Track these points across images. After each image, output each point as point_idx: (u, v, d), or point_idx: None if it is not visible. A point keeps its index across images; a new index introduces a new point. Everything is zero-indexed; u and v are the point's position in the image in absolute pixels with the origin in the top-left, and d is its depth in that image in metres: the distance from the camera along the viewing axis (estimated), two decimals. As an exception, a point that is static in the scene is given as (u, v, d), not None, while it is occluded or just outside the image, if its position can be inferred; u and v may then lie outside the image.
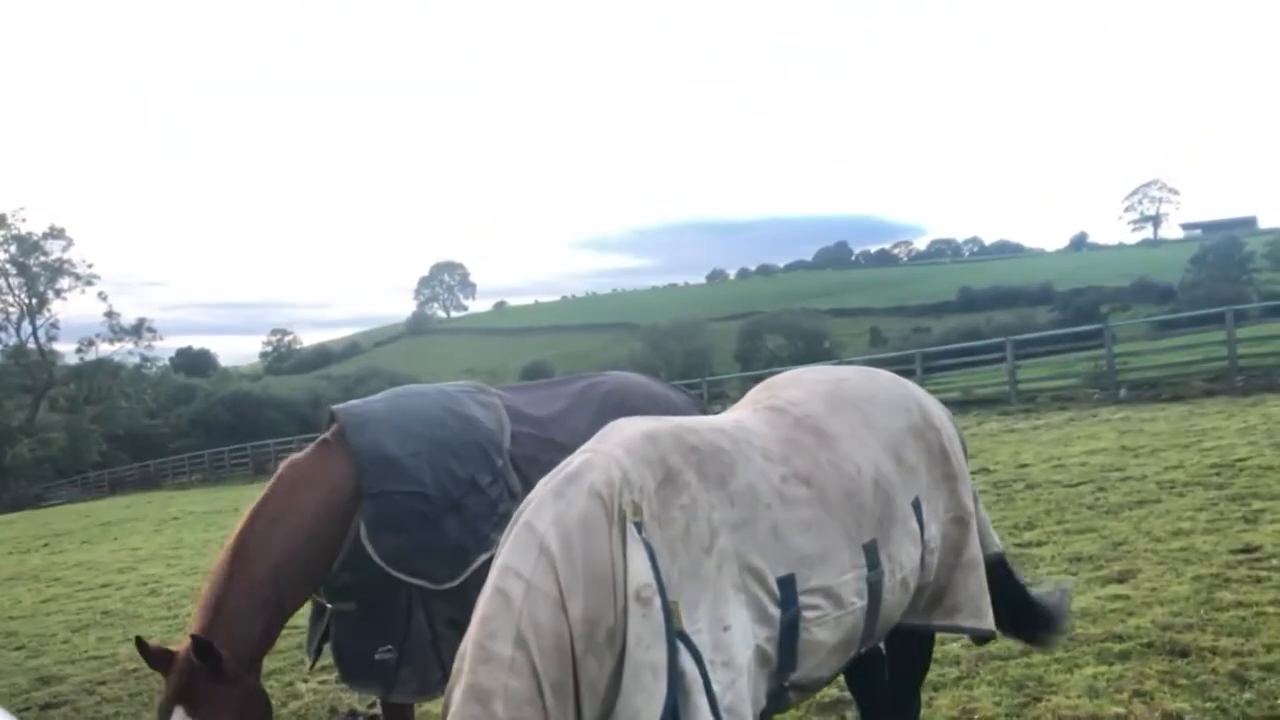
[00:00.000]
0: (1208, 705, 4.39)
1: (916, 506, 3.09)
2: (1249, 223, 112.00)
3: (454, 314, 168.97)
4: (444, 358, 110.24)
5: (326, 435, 3.97)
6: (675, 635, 2.29)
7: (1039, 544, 8.41)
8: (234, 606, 3.45)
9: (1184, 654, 5.11)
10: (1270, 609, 5.63)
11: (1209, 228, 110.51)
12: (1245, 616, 5.56)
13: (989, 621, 3.29)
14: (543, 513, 2.41)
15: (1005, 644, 5.58)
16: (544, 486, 2.50)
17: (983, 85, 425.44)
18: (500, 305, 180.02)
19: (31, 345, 67.61)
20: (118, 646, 9.44)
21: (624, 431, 2.65)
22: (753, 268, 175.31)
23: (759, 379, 3.58)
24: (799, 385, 3.26)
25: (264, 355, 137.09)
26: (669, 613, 2.30)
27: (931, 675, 5.26)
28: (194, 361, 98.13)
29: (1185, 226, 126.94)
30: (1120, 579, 6.84)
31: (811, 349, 62.14)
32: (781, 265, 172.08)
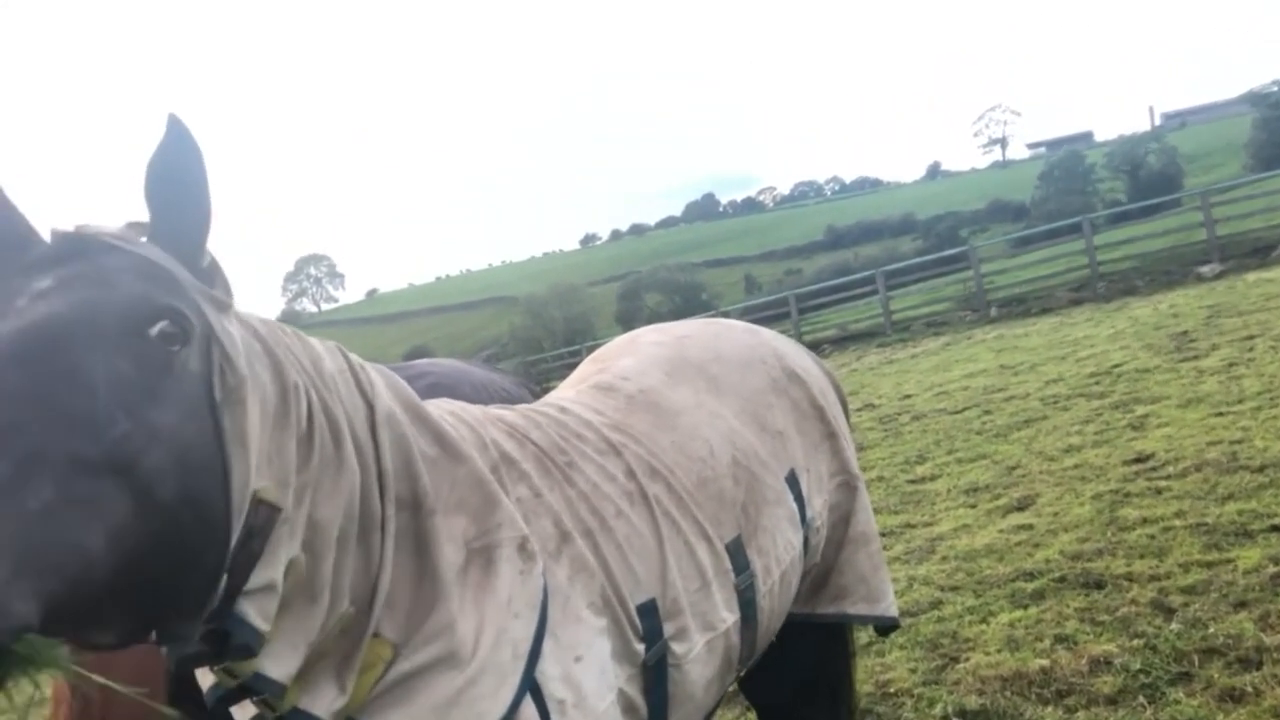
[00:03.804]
0: (1135, 644, 4.01)
1: (793, 480, 2.47)
2: (1086, 137, 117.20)
3: (325, 306, 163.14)
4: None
5: None
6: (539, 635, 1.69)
7: (933, 478, 8.11)
8: None
9: (1099, 585, 4.76)
10: (1176, 523, 5.36)
11: (1052, 145, 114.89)
12: (1153, 534, 5.27)
13: (888, 605, 2.69)
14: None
15: (911, 597, 5.18)
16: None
17: (821, 24, 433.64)
18: (373, 293, 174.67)
19: None
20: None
21: (443, 408, 2.03)
22: (624, 228, 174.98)
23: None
24: (633, 352, 2.61)
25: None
26: (547, 591, 1.73)
27: (839, 646, 4.79)
28: None
29: (1030, 146, 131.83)
30: (1020, 507, 6.54)
31: (689, 302, 61.96)
32: (652, 224, 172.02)
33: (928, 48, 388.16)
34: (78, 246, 1.36)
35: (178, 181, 1.40)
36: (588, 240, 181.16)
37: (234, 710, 1.60)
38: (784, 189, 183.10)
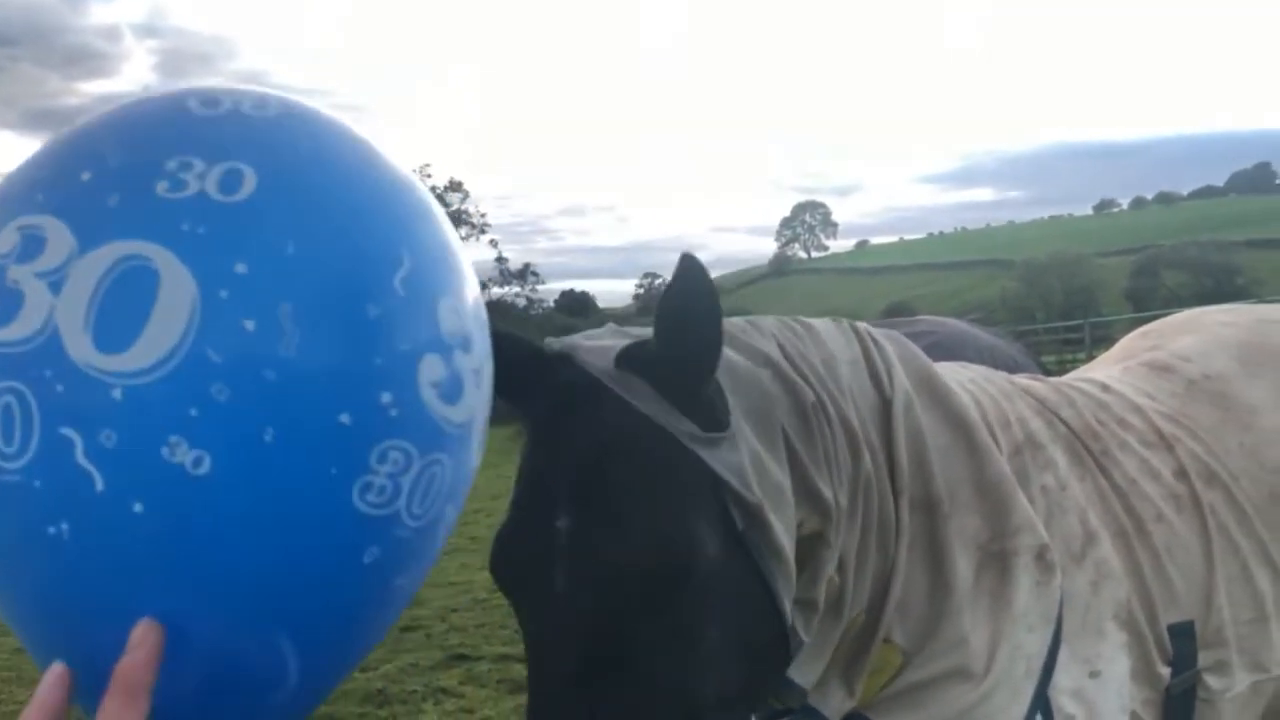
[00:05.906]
0: None
1: None
2: None
3: (815, 254, 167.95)
4: (805, 299, 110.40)
5: None
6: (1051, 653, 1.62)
7: None
8: None
9: None
10: None
11: None
12: None
13: None
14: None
15: None
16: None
17: None
18: (862, 244, 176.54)
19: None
20: (475, 574, 10.02)
21: (962, 376, 1.90)
22: (1149, 196, 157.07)
23: (1154, 320, 2.61)
24: (1196, 330, 2.25)
25: (636, 297, 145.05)
26: (1063, 601, 1.64)
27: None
28: (575, 303, 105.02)
29: None
30: None
31: (1222, 287, 54.11)
32: (1185, 193, 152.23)
33: None
34: (572, 396, 1.39)
35: (686, 323, 1.38)
36: (1103, 206, 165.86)
37: None
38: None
